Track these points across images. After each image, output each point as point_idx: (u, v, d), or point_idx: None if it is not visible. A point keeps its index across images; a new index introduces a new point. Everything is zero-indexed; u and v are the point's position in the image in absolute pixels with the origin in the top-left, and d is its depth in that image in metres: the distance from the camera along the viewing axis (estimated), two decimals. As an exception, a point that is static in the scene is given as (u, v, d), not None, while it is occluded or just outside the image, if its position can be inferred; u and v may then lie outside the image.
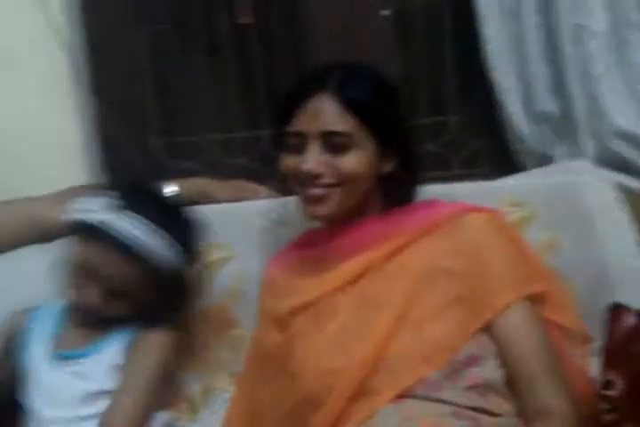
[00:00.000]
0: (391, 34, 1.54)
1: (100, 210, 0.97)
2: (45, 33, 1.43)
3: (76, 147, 1.47)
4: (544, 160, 1.43)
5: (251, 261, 1.15)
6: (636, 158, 1.35)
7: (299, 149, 0.98)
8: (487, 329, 0.92)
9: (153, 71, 1.56)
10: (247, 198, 1.30)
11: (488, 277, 0.94)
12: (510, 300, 0.92)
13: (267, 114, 1.55)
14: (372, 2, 1.52)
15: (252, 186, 1.37)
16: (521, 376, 0.90)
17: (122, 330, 1.02)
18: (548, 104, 1.40)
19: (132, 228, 0.95)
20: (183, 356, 1.09)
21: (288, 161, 1.01)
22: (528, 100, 1.42)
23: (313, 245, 1.07)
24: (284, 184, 1.07)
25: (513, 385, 0.90)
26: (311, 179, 0.97)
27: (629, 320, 0.99)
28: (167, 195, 1.17)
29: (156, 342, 1.01)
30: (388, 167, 1.01)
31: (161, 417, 1.03)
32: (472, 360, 0.90)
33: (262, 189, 1.36)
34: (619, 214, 1.16)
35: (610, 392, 0.94)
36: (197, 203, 1.18)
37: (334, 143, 0.97)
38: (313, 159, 0.96)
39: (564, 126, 1.41)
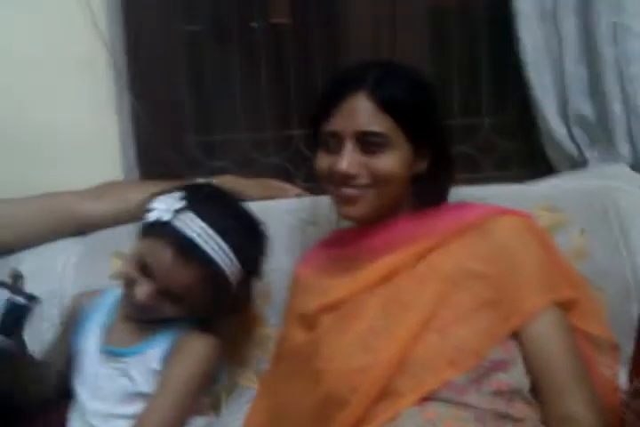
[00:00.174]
0: (426, 34, 1.53)
1: (165, 208, 0.96)
2: (86, 30, 1.45)
3: (112, 143, 1.49)
4: (578, 164, 1.41)
5: (279, 260, 1.16)
6: (673, 163, 1.33)
7: (333, 149, 0.99)
8: (515, 334, 0.92)
9: (189, 71, 1.58)
10: (277, 197, 1.31)
11: (518, 281, 0.93)
12: (540, 305, 0.92)
13: (299, 114, 1.56)
14: (407, 2, 1.51)
15: (282, 185, 1.38)
16: (547, 383, 0.89)
17: (166, 332, 1.01)
18: (584, 106, 1.38)
19: (192, 229, 0.94)
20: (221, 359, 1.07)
21: (322, 161, 1.01)
22: (563, 102, 1.40)
23: (342, 245, 1.07)
24: (316, 183, 1.07)
25: (539, 392, 0.90)
26: (346, 179, 0.97)
27: (660, 330, 0.98)
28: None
29: (200, 347, 1.00)
30: (420, 167, 1.01)
31: (197, 422, 1.02)
32: (498, 365, 0.90)
33: (292, 188, 1.37)
34: (653, 222, 1.15)
35: (637, 402, 0.93)
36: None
37: (369, 143, 0.96)
38: (348, 160, 0.96)
39: (599, 129, 1.38)
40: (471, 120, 1.55)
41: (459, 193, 1.08)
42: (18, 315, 0.95)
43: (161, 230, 0.96)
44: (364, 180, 0.97)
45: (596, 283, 1.05)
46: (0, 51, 1.44)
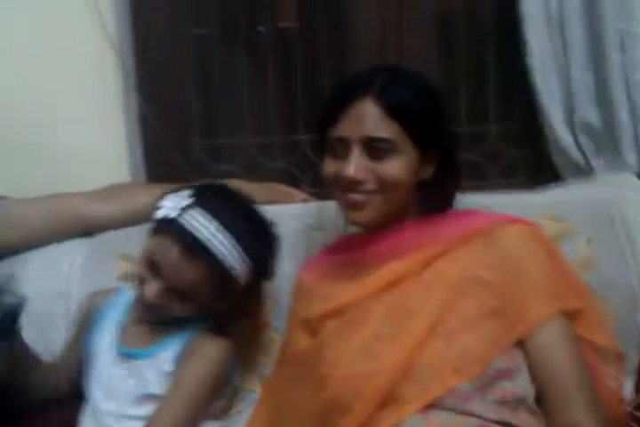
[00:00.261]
0: (433, 40, 1.53)
1: (172, 206, 0.96)
2: (94, 33, 1.45)
3: (120, 145, 1.50)
4: (584, 172, 1.41)
5: (284, 265, 1.15)
6: (681, 173, 1.32)
7: (340, 155, 0.99)
8: (520, 343, 0.92)
9: (196, 73, 1.58)
10: (283, 202, 1.31)
11: (524, 290, 0.93)
12: (545, 314, 0.91)
13: (306, 119, 1.56)
14: (414, 6, 1.51)
15: (288, 189, 1.38)
16: (552, 392, 0.89)
17: (179, 334, 1.00)
18: (591, 114, 1.38)
19: (198, 226, 0.93)
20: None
21: (329, 166, 1.01)
22: (570, 109, 1.40)
23: (348, 251, 1.07)
24: (322, 189, 1.07)
25: (543, 401, 0.90)
26: (352, 185, 0.97)
27: (666, 340, 0.98)
28: None
29: (212, 349, 0.99)
30: (427, 174, 1.01)
31: (209, 426, 1.02)
32: (503, 374, 0.90)
33: (298, 193, 1.37)
34: (660, 232, 1.14)
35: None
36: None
37: (376, 149, 0.96)
38: (355, 165, 0.96)
39: (606, 137, 1.38)
40: (478, 128, 1.55)
41: (464, 200, 1.08)
42: (13, 315, 0.94)
43: (168, 228, 0.95)
44: (370, 185, 0.97)
45: (602, 293, 1.05)
46: (8, 52, 1.45)
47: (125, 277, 1.18)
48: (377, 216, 0.99)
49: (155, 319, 1.00)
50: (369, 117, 0.96)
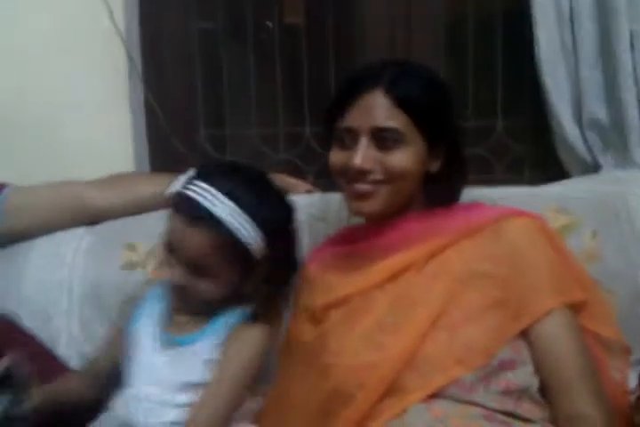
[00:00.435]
0: (442, 35, 1.53)
1: (177, 183, 0.96)
2: (103, 25, 1.46)
3: (125, 136, 1.50)
4: (591, 168, 1.40)
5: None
6: (688, 170, 1.31)
7: (348, 145, 0.99)
8: (524, 335, 0.91)
9: (203, 67, 1.59)
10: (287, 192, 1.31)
11: (528, 282, 0.93)
12: (550, 306, 0.91)
13: (311, 111, 1.56)
14: (422, 1, 1.51)
15: (293, 180, 1.38)
16: (556, 383, 0.89)
17: (221, 322, 1.00)
18: (599, 111, 1.38)
19: (197, 193, 0.92)
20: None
21: (337, 156, 1.01)
22: (578, 106, 1.39)
23: (352, 242, 1.07)
24: (326, 179, 1.07)
25: (547, 391, 0.89)
26: (359, 175, 0.97)
27: (671, 333, 0.97)
28: None
29: (255, 335, 0.99)
30: (434, 166, 1.01)
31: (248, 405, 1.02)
32: (507, 365, 0.89)
33: (302, 184, 1.37)
34: (665, 227, 1.13)
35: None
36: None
37: (384, 139, 0.97)
38: (363, 155, 0.96)
39: (613, 134, 1.38)
40: (485, 122, 1.54)
41: (470, 194, 1.07)
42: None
43: (173, 202, 0.96)
44: (377, 176, 0.97)
45: (607, 286, 1.05)
46: (18, 46, 1.46)
47: (129, 266, 1.19)
48: (382, 207, 0.99)
49: (191, 307, 1.00)
50: (378, 108, 0.96)
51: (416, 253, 0.98)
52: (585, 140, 1.40)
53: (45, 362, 1.06)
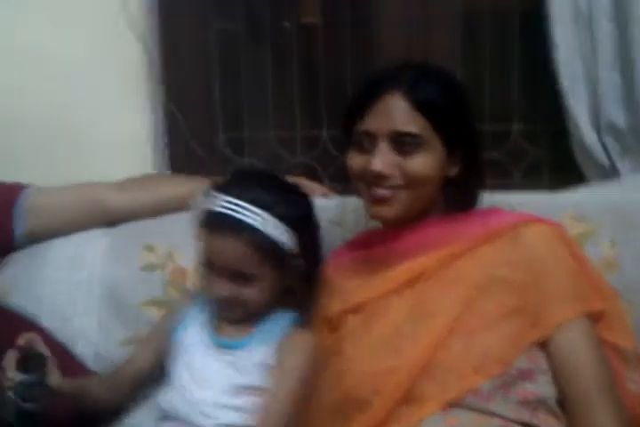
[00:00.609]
0: (458, 36, 1.52)
1: (201, 204, 0.99)
2: (123, 29, 1.46)
3: (145, 139, 1.51)
4: (609, 173, 1.39)
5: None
6: None
7: (367, 149, 0.98)
8: (542, 344, 0.91)
9: (221, 69, 1.58)
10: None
11: (547, 291, 0.93)
12: (569, 316, 0.91)
13: (328, 114, 1.56)
14: (440, 2, 1.50)
15: (309, 184, 1.38)
16: (574, 394, 0.88)
17: (273, 327, 1.02)
18: (617, 115, 1.37)
19: (229, 210, 0.95)
20: None
21: (355, 160, 1.00)
22: (596, 110, 1.38)
23: (369, 247, 1.07)
24: (344, 183, 1.07)
25: (565, 402, 0.89)
26: (378, 179, 0.97)
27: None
28: None
29: (307, 342, 1.01)
30: (453, 171, 1.01)
31: None
32: (525, 374, 0.89)
33: (319, 188, 1.37)
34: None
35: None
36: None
37: (403, 144, 0.96)
38: (382, 160, 0.96)
39: (632, 139, 1.37)
40: (501, 126, 1.53)
41: (488, 199, 1.07)
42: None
43: (203, 222, 0.99)
44: (396, 180, 0.97)
45: (625, 295, 1.03)
46: (37, 48, 1.46)
47: (148, 268, 1.20)
48: (401, 212, 0.99)
49: (237, 317, 1.02)
50: (397, 112, 0.96)
51: (433, 259, 0.98)
52: (603, 145, 1.39)
53: (64, 361, 1.07)
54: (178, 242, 1.20)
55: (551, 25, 1.37)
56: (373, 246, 1.06)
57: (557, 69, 1.38)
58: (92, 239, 1.26)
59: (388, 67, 1.03)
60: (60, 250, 1.25)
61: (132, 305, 1.19)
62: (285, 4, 1.57)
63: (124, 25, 1.46)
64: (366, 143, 0.98)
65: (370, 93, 0.98)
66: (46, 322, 1.19)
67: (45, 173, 1.37)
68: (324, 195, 1.34)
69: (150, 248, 1.22)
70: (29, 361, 0.93)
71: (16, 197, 1.23)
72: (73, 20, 1.47)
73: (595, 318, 0.93)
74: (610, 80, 1.36)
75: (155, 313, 1.18)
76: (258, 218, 0.95)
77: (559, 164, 1.51)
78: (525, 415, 0.87)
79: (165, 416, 1.01)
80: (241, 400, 0.98)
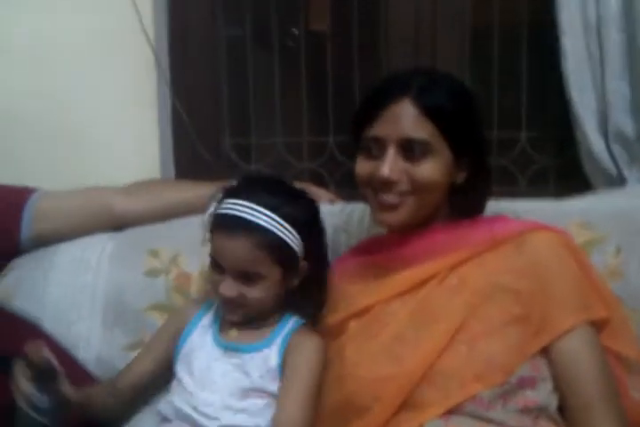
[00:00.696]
0: (467, 44, 1.52)
1: (211, 210, 1.02)
2: (132, 32, 1.47)
3: (151, 143, 1.52)
4: (616, 182, 1.39)
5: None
6: None
7: (375, 155, 0.98)
8: (545, 352, 0.91)
9: (229, 74, 1.59)
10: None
11: (550, 298, 0.92)
12: (572, 324, 0.91)
13: (335, 120, 1.57)
14: (448, 10, 1.51)
15: (315, 190, 1.38)
16: (575, 401, 0.88)
17: (281, 330, 1.03)
18: (625, 123, 1.36)
19: (237, 211, 0.97)
20: None
21: (363, 166, 1.00)
22: (604, 118, 1.38)
23: (374, 252, 1.07)
24: (350, 190, 1.07)
25: (566, 410, 0.89)
26: (386, 185, 0.97)
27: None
28: None
29: (316, 344, 1.01)
30: (460, 178, 1.01)
31: None
32: (527, 382, 0.89)
33: (325, 194, 1.37)
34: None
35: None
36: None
37: (412, 150, 0.96)
38: (390, 165, 0.96)
39: (639, 147, 1.36)
40: (508, 133, 1.53)
41: (493, 207, 1.07)
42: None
43: (212, 225, 1.01)
44: (404, 186, 0.97)
45: (629, 304, 1.03)
46: (43, 50, 1.48)
47: (152, 273, 1.20)
48: (408, 218, 0.99)
49: (244, 319, 1.02)
50: (406, 118, 0.96)
51: (438, 265, 0.98)
52: (610, 153, 1.39)
53: (69, 368, 1.07)
54: (182, 247, 1.21)
55: (560, 35, 1.37)
56: (378, 252, 1.06)
57: (566, 78, 1.38)
58: (97, 243, 1.27)
59: (397, 73, 1.03)
60: (66, 253, 1.26)
61: (135, 310, 1.20)
62: (294, 10, 1.58)
63: (133, 29, 1.47)
64: (374, 149, 0.98)
65: (378, 99, 0.98)
66: (49, 325, 1.19)
67: (52, 177, 1.39)
68: (330, 201, 1.34)
69: (155, 253, 1.22)
70: (41, 372, 0.93)
71: (24, 200, 1.25)
72: (80, 24, 1.48)
73: (598, 326, 0.93)
74: (618, 89, 1.36)
75: (158, 318, 1.18)
76: (267, 219, 0.97)
77: (565, 171, 1.51)
78: (526, 423, 0.87)
79: (166, 419, 1.02)
80: (249, 403, 0.98)
